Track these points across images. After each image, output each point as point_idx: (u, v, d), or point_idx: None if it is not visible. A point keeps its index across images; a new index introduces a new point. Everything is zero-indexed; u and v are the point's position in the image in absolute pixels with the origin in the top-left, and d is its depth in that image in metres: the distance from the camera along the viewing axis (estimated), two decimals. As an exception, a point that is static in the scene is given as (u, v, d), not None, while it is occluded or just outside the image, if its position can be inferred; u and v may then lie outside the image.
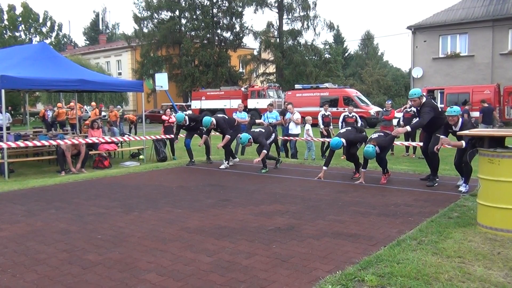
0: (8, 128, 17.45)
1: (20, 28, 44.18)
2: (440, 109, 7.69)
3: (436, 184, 7.68)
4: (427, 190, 7.36)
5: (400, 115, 13.06)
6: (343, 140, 8.30)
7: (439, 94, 24.69)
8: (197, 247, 4.47)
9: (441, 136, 7.16)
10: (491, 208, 4.85)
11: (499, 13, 25.03)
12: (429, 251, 4.19)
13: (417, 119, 8.07)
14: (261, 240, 4.68)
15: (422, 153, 8.30)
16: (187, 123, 10.89)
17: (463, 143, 6.70)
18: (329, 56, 46.29)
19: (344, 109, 18.48)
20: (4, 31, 42.91)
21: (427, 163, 8.02)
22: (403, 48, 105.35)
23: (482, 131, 6.00)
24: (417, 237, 4.61)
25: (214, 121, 10.36)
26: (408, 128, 7.93)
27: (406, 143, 12.21)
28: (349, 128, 9.22)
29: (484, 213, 4.95)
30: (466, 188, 7.04)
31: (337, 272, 3.72)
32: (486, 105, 16.26)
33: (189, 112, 34.10)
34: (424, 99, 7.60)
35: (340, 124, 12.68)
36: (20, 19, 43.53)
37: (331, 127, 13.42)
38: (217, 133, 11.11)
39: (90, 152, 11.70)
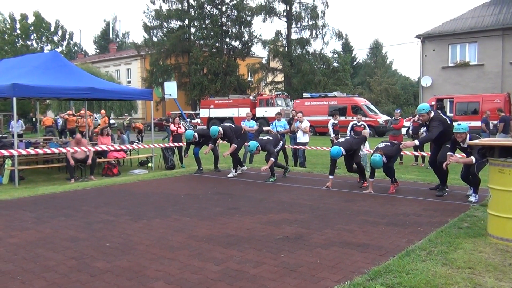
0: (21, 136, 17.66)
1: (32, 37, 44.89)
2: (449, 121, 7.65)
3: (446, 193, 7.62)
4: (437, 199, 7.31)
5: (409, 123, 13.00)
6: (342, 149, 8.29)
7: (448, 103, 24.52)
8: (205, 256, 4.47)
9: (449, 153, 7.12)
10: (502, 218, 4.79)
11: (509, 22, 24.87)
12: (438, 262, 4.15)
13: (425, 129, 8.05)
14: (269, 249, 4.66)
15: (430, 164, 8.24)
16: (197, 139, 10.96)
17: (473, 159, 6.61)
18: (338, 64, 46.28)
19: (353, 118, 18.43)
20: (17, 40, 43.60)
21: (435, 173, 7.97)
22: (412, 57, 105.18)
23: (492, 140, 5.94)
24: (426, 248, 4.57)
25: (221, 130, 10.40)
26: (416, 142, 7.97)
27: (415, 153, 12.13)
28: (347, 137, 9.22)
29: (495, 224, 4.90)
30: (476, 198, 6.98)
31: (346, 282, 3.70)
32: (502, 114, 16.13)
33: (198, 120, 34.45)
34: (432, 114, 7.58)
35: (348, 133, 12.62)
36: (32, 28, 44.24)
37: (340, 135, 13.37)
38: (225, 141, 11.15)
39: (99, 160, 11.78)
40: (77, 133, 11.52)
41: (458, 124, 6.98)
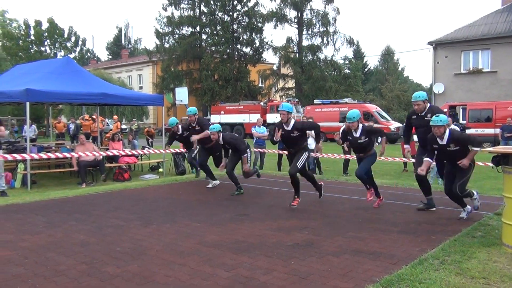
0: (34, 140, 17.85)
1: (46, 43, 45.55)
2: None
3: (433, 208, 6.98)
4: (450, 208, 7.19)
5: None
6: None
7: (461, 110, 24.30)
8: (215, 262, 4.45)
9: (425, 159, 6.15)
10: (517, 227, 4.70)
11: (523, 29, 24.65)
12: (452, 271, 4.08)
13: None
14: (279, 256, 4.62)
15: (416, 178, 7.08)
16: (180, 131, 9.95)
17: (471, 155, 5.79)
18: (349, 71, 46.12)
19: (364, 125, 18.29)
20: (31, 46, 44.27)
21: (420, 187, 7.07)
22: (424, 64, 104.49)
23: (508, 148, 5.84)
24: (439, 257, 4.50)
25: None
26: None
27: (412, 160, 11.91)
28: None
29: (510, 233, 4.80)
30: (467, 212, 6.34)
31: (357, 291, 3.65)
32: None
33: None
34: (428, 104, 6.57)
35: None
36: (46, 34, 44.87)
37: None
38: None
39: (110, 165, 11.86)
40: (81, 135, 11.58)
41: (437, 116, 5.82)
